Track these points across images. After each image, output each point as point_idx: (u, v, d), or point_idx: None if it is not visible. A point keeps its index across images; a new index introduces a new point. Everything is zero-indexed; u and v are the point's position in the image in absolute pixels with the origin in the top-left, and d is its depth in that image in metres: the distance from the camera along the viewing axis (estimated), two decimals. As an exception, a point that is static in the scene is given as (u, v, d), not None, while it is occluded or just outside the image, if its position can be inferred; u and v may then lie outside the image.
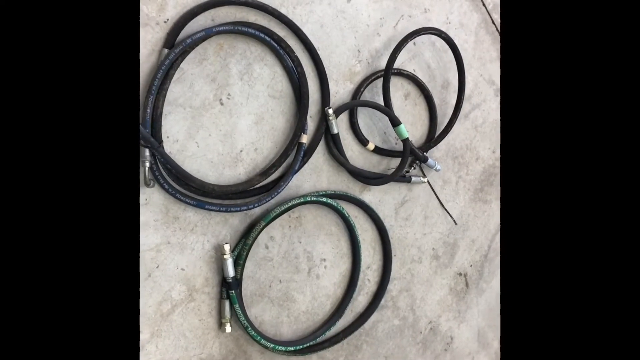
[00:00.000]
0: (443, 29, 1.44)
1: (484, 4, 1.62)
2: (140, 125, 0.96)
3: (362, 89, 1.34)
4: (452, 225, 1.61)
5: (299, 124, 1.21)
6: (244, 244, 1.15)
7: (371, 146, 1.36)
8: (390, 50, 1.34)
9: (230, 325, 1.13)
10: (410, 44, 1.40)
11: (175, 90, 1.07)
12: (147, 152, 1.00)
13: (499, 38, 1.67)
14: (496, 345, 1.76)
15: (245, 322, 1.12)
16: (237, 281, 1.13)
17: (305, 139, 1.22)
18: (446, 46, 1.45)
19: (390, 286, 1.45)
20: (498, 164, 1.71)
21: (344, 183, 1.35)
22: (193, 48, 1.08)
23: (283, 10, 1.19)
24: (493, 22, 1.65)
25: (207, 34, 1.06)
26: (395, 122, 1.32)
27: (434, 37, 1.48)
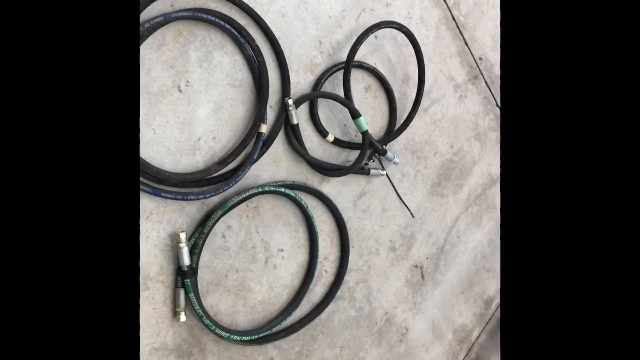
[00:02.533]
0: (404, 23, 1.45)
1: (444, 1, 1.64)
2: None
3: (322, 81, 1.34)
4: (410, 218, 1.63)
5: (258, 114, 1.20)
6: (200, 232, 1.14)
7: (331, 138, 1.37)
8: (352, 43, 1.35)
9: (185, 314, 1.13)
10: (371, 37, 1.42)
11: (131, 75, 1.05)
12: (101, 138, 0.98)
13: (459, 34, 1.70)
14: (450, 336, 1.80)
15: (200, 311, 1.12)
16: (193, 270, 1.12)
17: (264, 128, 1.22)
18: (407, 40, 1.47)
19: (347, 277, 1.46)
20: (456, 158, 1.74)
21: (302, 174, 1.35)
22: (151, 33, 1.06)
23: (244, -1, 1.18)
24: (454, 19, 1.67)
25: (166, 19, 1.05)
26: (355, 115, 1.33)
27: (395, 31, 1.50)
